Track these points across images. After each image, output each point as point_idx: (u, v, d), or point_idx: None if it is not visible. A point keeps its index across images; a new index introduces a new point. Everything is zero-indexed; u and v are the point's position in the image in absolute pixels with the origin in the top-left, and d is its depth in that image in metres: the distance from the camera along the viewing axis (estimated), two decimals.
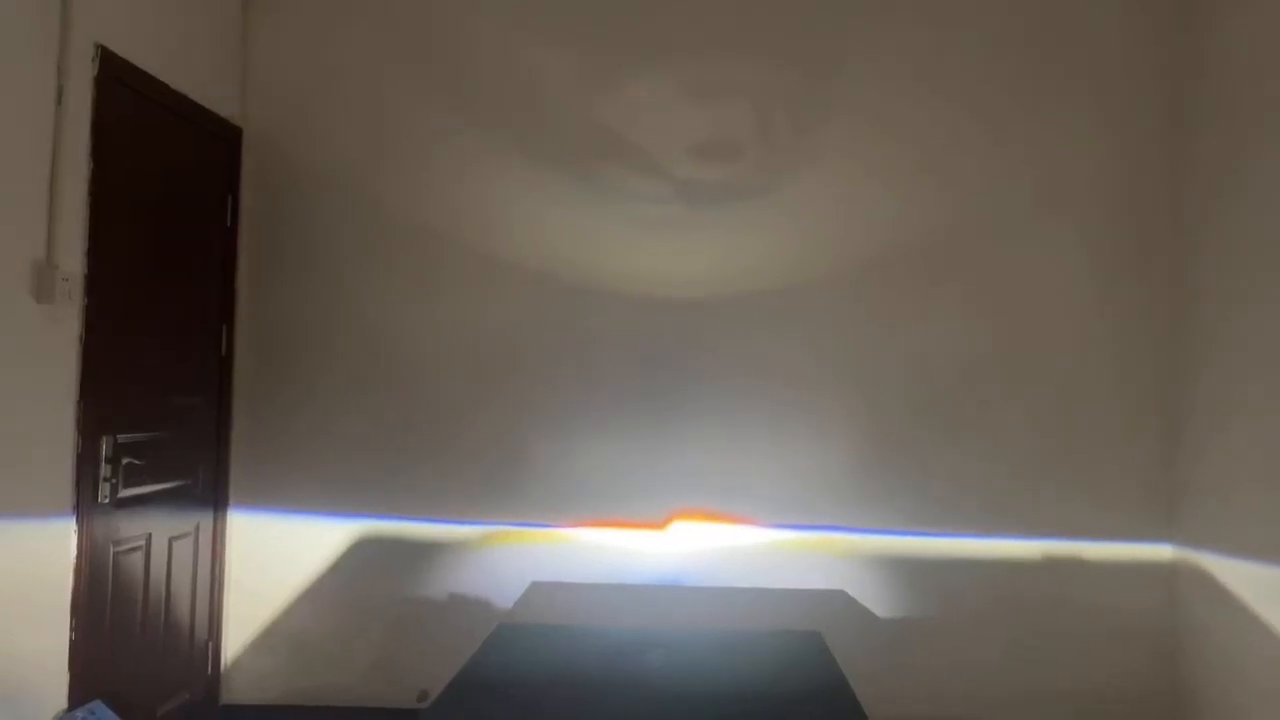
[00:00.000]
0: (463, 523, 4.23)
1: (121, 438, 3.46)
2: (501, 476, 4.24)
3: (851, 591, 4.18)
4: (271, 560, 4.24)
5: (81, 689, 3.20)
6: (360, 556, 4.23)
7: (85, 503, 3.26)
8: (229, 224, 4.24)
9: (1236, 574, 3.71)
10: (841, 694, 2.50)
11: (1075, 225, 4.22)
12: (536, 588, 4.19)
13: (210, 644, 4.14)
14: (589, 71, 4.31)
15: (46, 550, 3.11)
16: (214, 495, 4.15)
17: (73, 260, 3.19)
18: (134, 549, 3.60)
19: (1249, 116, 3.72)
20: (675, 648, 2.94)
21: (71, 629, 3.20)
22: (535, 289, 4.28)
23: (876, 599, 4.19)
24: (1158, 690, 4.09)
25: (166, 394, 3.80)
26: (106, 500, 3.38)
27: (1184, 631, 4.04)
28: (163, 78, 3.69)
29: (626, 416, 4.26)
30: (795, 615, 4.12)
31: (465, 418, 4.26)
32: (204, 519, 4.09)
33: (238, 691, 4.22)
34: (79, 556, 3.22)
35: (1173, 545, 4.13)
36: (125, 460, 3.46)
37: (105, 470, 3.36)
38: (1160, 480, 4.16)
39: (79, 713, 2.98)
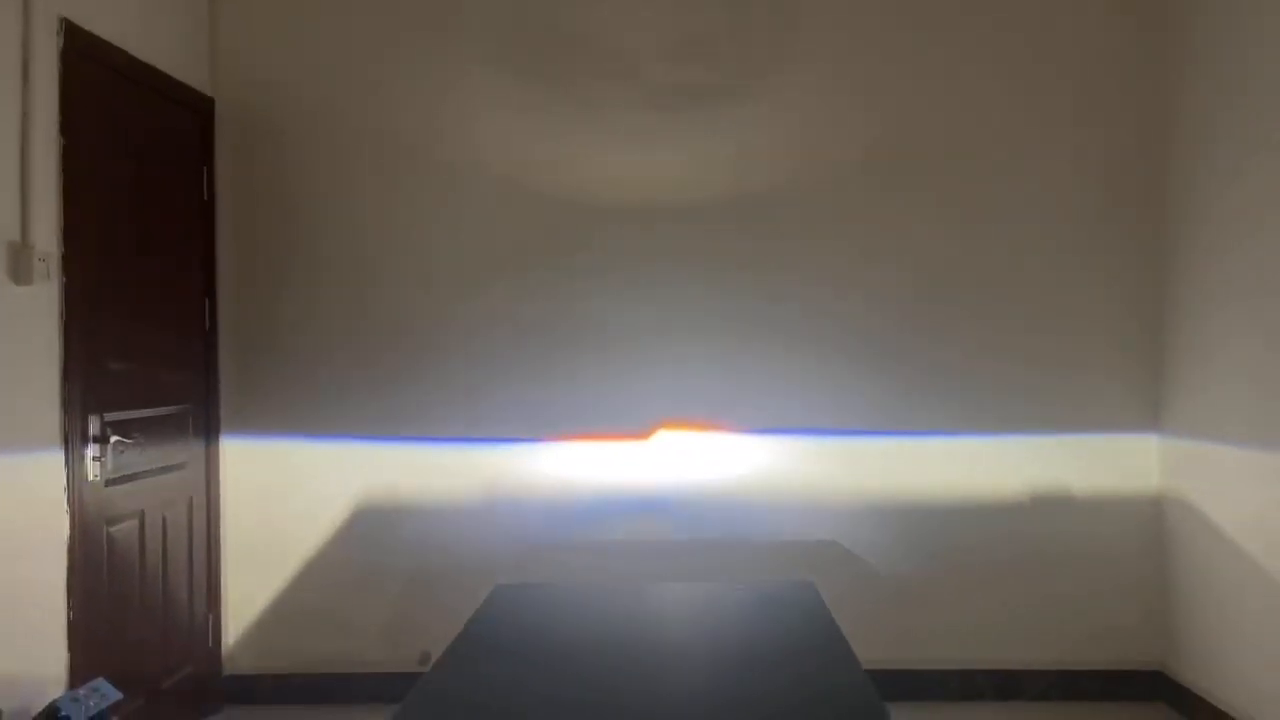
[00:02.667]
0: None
1: (109, 416, 3.45)
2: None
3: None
4: (267, 528, 4.25)
5: (82, 667, 3.23)
6: (359, 524, 4.25)
7: (76, 482, 3.26)
8: (206, 196, 4.19)
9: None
10: (836, 643, 2.53)
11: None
12: (531, 550, 4.22)
13: (210, 616, 4.16)
14: None
15: (39, 532, 3.11)
16: (205, 470, 4.15)
17: (48, 239, 3.16)
18: (128, 525, 3.60)
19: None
20: (672, 601, 2.96)
21: (69, 608, 3.21)
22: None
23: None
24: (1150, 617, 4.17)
25: (152, 370, 3.78)
26: (97, 478, 3.37)
27: (1175, 564, 4.10)
28: (130, 50, 3.63)
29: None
30: (788, 561, 4.16)
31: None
32: (197, 492, 4.09)
33: (240, 662, 4.25)
34: (72, 536, 3.23)
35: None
36: (114, 438, 3.45)
37: (94, 449, 3.36)
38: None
39: (81, 691, 3.00)
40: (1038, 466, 4.20)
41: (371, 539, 4.24)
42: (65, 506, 3.21)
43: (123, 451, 3.51)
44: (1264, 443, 3.49)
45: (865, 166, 4.23)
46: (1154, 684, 4.13)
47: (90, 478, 3.34)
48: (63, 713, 2.88)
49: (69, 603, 3.21)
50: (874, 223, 4.22)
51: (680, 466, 4.23)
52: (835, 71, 4.24)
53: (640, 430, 4.25)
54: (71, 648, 3.22)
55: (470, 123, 4.26)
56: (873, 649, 3.51)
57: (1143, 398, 4.19)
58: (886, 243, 4.22)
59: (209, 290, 4.20)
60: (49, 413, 3.17)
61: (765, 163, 4.24)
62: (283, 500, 4.26)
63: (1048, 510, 4.19)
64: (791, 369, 4.22)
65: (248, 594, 4.26)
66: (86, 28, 3.36)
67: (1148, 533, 4.18)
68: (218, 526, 4.22)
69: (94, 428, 3.36)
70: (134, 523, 3.64)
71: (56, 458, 3.19)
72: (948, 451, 4.22)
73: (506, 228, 4.26)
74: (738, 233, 4.23)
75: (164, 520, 3.84)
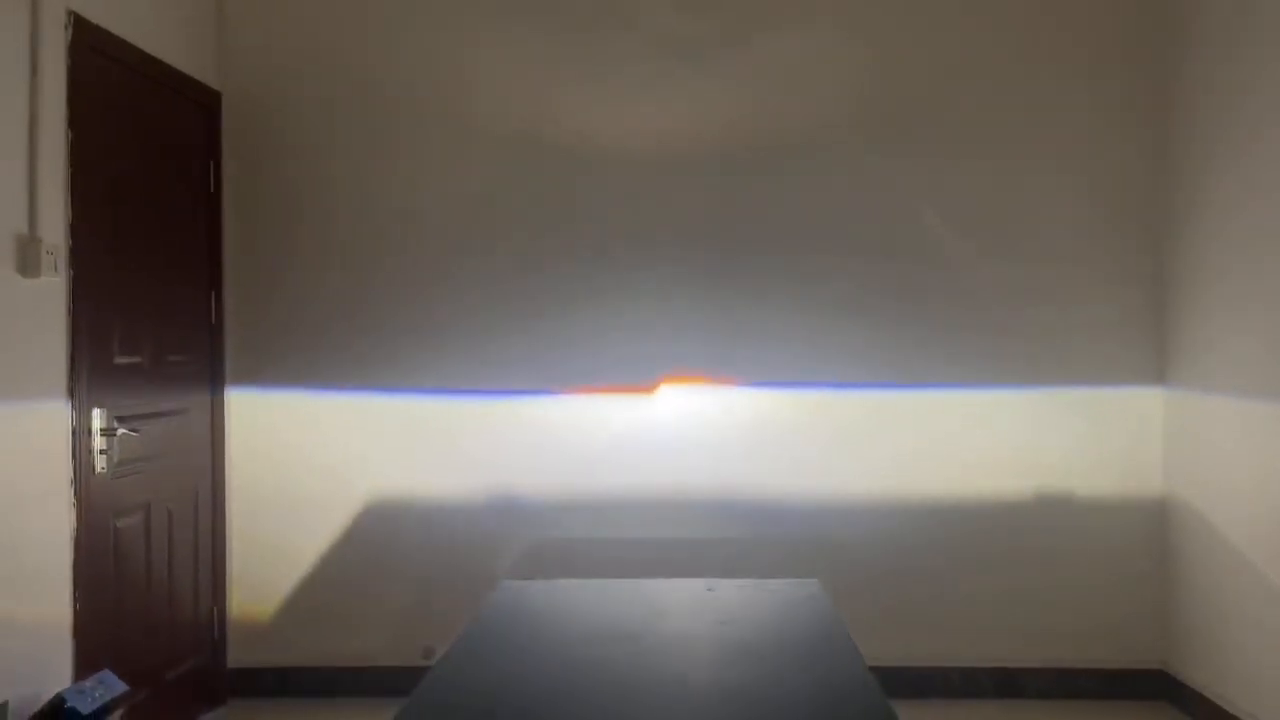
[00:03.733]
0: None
1: (115, 408, 3.45)
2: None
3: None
4: (273, 520, 4.26)
5: (87, 660, 3.24)
6: (366, 520, 4.26)
7: (82, 475, 3.27)
8: (212, 188, 4.20)
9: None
10: (840, 640, 2.54)
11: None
12: (538, 545, 4.23)
13: (215, 608, 4.17)
14: None
15: (44, 524, 3.12)
16: (210, 463, 4.16)
17: (56, 232, 3.16)
18: (133, 517, 3.61)
19: None
20: (676, 599, 2.97)
21: (75, 599, 3.22)
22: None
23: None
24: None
25: (158, 362, 3.79)
26: (104, 470, 3.38)
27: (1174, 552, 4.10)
28: (138, 43, 3.63)
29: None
30: (790, 557, 4.17)
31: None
32: (203, 485, 4.10)
33: (244, 655, 4.26)
34: (78, 528, 3.24)
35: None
36: (120, 430, 3.46)
37: (100, 442, 3.37)
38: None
39: (87, 683, 3.01)
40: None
41: (382, 526, 4.25)
42: (71, 498, 3.22)
43: (129, 444, 3.52)
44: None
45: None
46: (1156, 683, 4.14)
47: (97, 470, 3.35)
48: (68, 704, 2.89)
49: (74, 594, 3.22)
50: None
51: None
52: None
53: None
54: (77, 639, 3.23)
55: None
56: (875, 646, 3.52)
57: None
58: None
59: (214, 283, 4.21)
60: (56, 405, 3.18)
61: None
62: (290, 491, 4.27)
63: (1050, 507, 4.19)
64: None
65: (253, 586, 4.27)
66: (94, 21, 3.36)
67: (1151, 528, 4.18)
68: (223, 519, 4.23)
69: (100, 420, 3.37)
70: (140, 515, 3.65)
71: (63, 450, 3.20)
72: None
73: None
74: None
75: (169, 512, 3.85)
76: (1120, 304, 4.20)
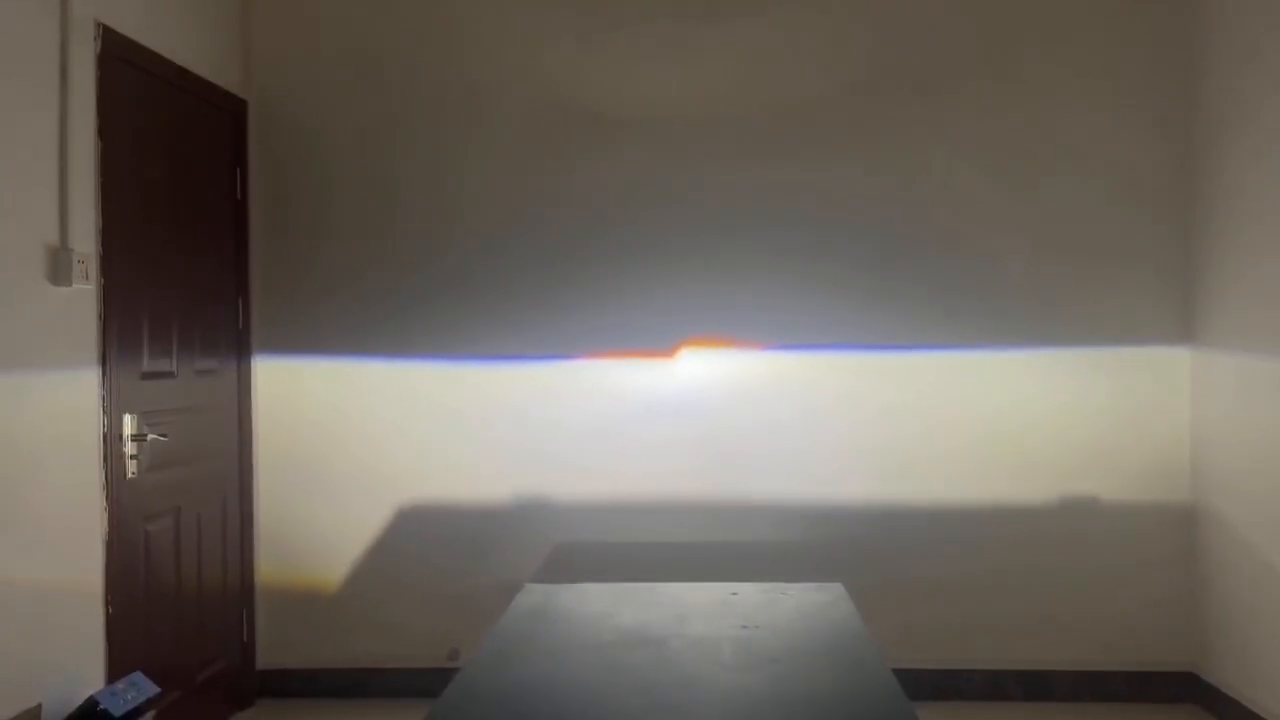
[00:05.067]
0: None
1: (145, 413, 3.50)
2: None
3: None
4: (302, 522, 4.31)
5: (119, 663, 3.29)
6: (396, 520, 4.30)
7: (114, 480, 3.32)
8: (239, 195, 4.24)
9: (1257, 372, 3.68)
10: (862, 643, 2.54)
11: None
12: (559, 548, 4.25)
13: (244, 610, 4.22)
14: None
15: (78, 529, 3.17)
16: (239, 467, 4.20)
17: (87, 241, 3.21)
18: (164, 522, 3.66)
19: None
20: (700, 602, 2.98)
21: (107, 603, 3.27)
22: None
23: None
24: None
25: (187, 368, 3.84)
26: (135, 476, 3.43)
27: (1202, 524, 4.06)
28: (165, 53, 3.68)
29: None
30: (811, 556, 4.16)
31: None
32: (231, 489, 4.14)
33: (273, 656, 4.31)
34: (109, 532, 3.29)
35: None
36: (151, 436, 3.50)
37: (131, 447, 3.42)
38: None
39: (119, 685, 3.06)
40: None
41: (412, 525, 4.29)
42: (103, 504, 3.27)
43: (159, 449, 3.57)
44: None
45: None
46: (1185, 685, 4.10)
47: (128, 475, 3.40)
48: (101, 706, 2.94)
49: (107, 598, 3.27)
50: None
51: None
52: None
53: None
54: (109, 643, 3.27)
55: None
56: (899, 648, 3.52)
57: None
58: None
59: (242, 289, 4.25)
60: (88, 411, 3.23)
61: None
62: (317, 493, 4.31)
63: (1077, 513, 4.17)
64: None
65: (281, 587, 4.32)
66: (123, 32, 3.40)
67: (1179, 523, 4.14)
68: (251, 523, 4.27)
69: (131, 425, 3.42)
70: (170, 518, 3.70)
71: (94, 456, 3.25)
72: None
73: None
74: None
75: (198, 515, 3.89)
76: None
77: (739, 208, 4.25)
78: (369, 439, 4.31)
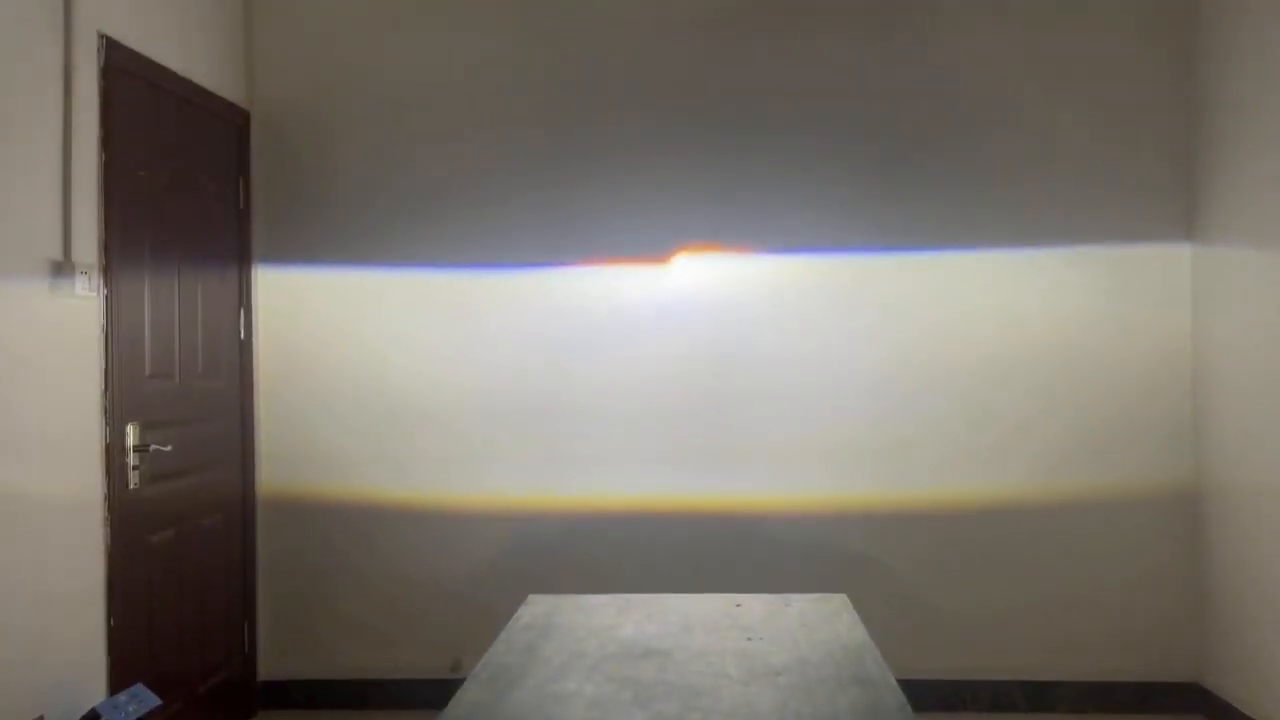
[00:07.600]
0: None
1: (147, 424, 3.50)
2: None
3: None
4: (303, 536, 4.30)
5: (121, 674, 3.28)
6: (397, 539, 4.29)
7: (115, 491, 3.31)
8: (242, 205, 4.25)
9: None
10: (868, 654, 2.53)
11: None
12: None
13: (245, 622, 4.21)
14: None
15: (80, 541, 3.16)
16: (241, 476, 4.20)
17: (90, 251, 3.21)
18: (166, 533, 3.65)
19: None
20: (703, 613, 2.97)
21: (109, 615, 3.26)
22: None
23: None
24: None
25: (189, 379, 3.83)
26: (137, 487, 3.43)
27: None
28: (168, 64, 3.68)
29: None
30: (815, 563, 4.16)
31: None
32: (233, 500, 4.14)
33: (274, 667, 4.30)
34: (111, 544, 3.28)
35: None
36: (152, 447, 3.50)
37: (133, 458, 3.41)
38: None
39: (121, 696, 3.05)
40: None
41: (403, 550, 4.28)
42: (105, 514, 3.26)
43: (161, 460, 3.56)
44: None
45: None
46: (1191, 696, 4.09)
47: (130, 485, 3.40)
48: (102, 717, 2.93)
49: (109, 610, 3.26)
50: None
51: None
52: None
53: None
54: (111, 654, 3.27)
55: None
56: (904, 659, 3.51)
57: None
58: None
59: (245, 300, 4.25)
60: (90, 422, 3.22)
61: None
62: (320, 503, 4.30)
63: (1081, 505, 4.14)
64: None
65: (282, 599, 4.31)
66: (126, 43, 3.41)
67: (1184, 520, 4.13)
68: (254, 533, 4.27)
69: (133, 436, 3.41)
70: (171, 529, 3.69)
71: (97, 466, 3.25)
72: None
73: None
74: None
75: (200, 527, 3.89)
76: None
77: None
78: (373, 441, 4.30)
